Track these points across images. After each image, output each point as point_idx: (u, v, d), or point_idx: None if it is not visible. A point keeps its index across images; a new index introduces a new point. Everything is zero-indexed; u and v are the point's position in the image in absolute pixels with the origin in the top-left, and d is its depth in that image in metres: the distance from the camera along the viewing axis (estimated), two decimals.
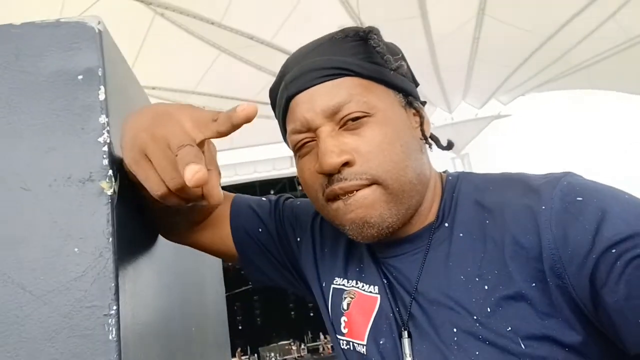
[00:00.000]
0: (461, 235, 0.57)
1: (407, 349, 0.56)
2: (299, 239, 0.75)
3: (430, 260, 0.59)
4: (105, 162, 0.48)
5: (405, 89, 0.62)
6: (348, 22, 3.92)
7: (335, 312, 0.67)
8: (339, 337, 0.66)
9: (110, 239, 0.46)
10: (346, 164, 0.55)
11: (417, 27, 4.31)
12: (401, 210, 0.57)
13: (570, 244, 0.48)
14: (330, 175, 0.56)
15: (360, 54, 0.59)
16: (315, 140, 0.58)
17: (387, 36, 0.63)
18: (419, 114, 0.63)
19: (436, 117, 6.16)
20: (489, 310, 0.51)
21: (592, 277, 0.46)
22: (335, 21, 3.65)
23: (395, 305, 0.60)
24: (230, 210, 0.75)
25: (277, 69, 0.65)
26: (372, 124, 0.57)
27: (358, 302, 0.64)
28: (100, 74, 0.50)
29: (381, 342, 0.60)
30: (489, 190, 0.59)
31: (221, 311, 1.25)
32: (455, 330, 0.53)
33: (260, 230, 0.74)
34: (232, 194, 0.79)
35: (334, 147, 0.55)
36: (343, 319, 0.65)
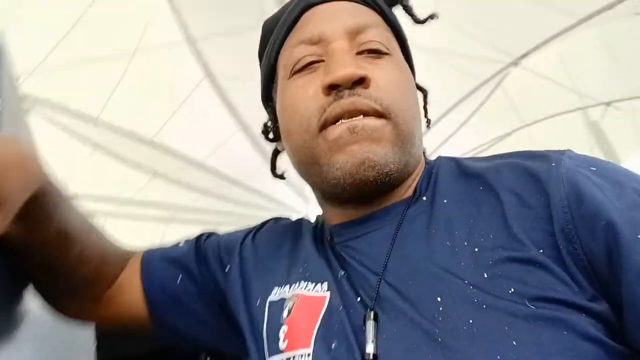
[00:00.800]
0: (445, 201, 0.50)
1: (370, 334, 0.44)
2: (227, 269, 0.63)
3: (405, 234, 0.50)
4: None
5: (411, 59, 0.60)
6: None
7: (271, 328, 0.54)
8: (272, 358, 0.52)
9: None
10: (362, 81, 0.49)
11: None
12: (402, 160, 0.50)
13: (585, 203, 0.42)
14: (338, 92, 0.49)
15: (387, 2, 0.58)
16: (322, 61, 0.52)
17: None
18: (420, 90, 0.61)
19: None
20: (485, 275, 0.43)
21: (606, 244, 0.40)
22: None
23: (356, 295, 0.49)
24: (141, 270, 0.62)
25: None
26: (391, 62, 0.53)
27: (302, 305, 0.52)
28: None
29: (333, 346, 0.47)
30: (473, 162, 0.54)
31: None
32: (440, 299, 0.43)
33: (178, 281, 0.62)
34: (140, 252, 0.65)
35: (351, 62, 0.50)
36: (282, 330, 0.52)
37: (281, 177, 0.68)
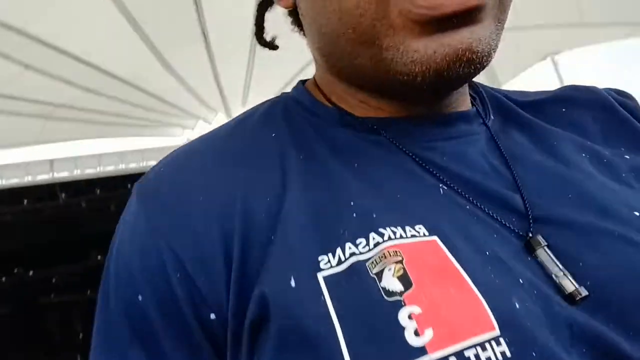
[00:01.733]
0: (537, 120, 0.42)
1: (554, 264, 0.31)
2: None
3: (509, 146, 0.39)
4: None
5: None
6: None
7: (359, 317, 0.28)
8: None
9: None
10: None
11: None
12: (497, 43, 0.34)
13: None
14: None
15: None
16: None
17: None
18: None
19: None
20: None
21: None
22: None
23: (490, 218, 0.33)
24: None
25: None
26: None
27: (417, 262, 0.30)
28: None
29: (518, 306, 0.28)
30: (519, 94, 0.45)
31: None
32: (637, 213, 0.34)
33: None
34: None
35: None
36: (403, 313, 0.27)
37: (272, 45, 0.48)
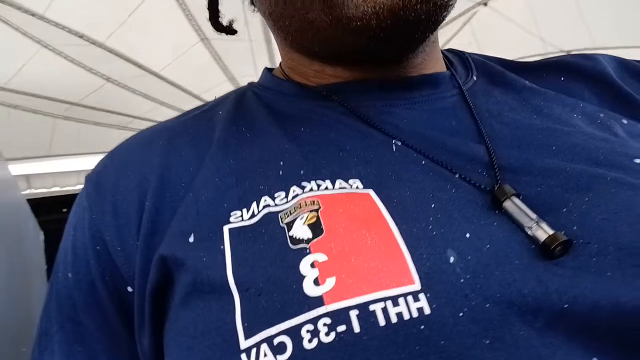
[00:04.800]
0: (527, 82, 0.38)
1: (527, 210, 0.26)
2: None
3: (484, 107, 0.35)
4: None
5: None
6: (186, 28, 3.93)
7: (258, 268, 0.26)
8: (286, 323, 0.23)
9: None
10: None
11: None
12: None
13: None
14: None
15: None
16: None
17: None
18: None
19: None
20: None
21: None
22: (172, 27, 3.67)
23: (448, 170, 0.29)
24: None
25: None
26: None
27: (335, 211, 0.27)
28: None
29: (452, 260, 0.24)
30: (507, 62, 0.42)
31: None
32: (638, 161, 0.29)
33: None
34: None
35: None
36: (306, 261, 0.25)
37: (229, 30, 0.44)
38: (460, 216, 0.26)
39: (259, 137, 0.34)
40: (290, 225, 0.27)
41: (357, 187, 0.28)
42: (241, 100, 0.39)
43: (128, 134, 0.39)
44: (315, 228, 0.26)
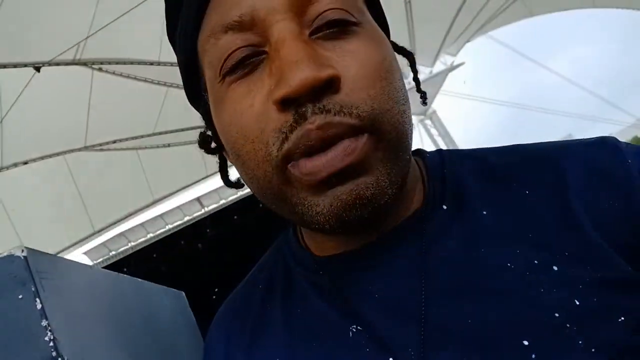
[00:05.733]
0: (484, 213, 0.40)
1: None
2: None
3: (437, 258, 0.39)
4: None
5: (382, 14, 0.44)
6: None
7: None
8: None
9: None
10: (329, 86, 0.33)
11: None
12: (400, 175, 0.36)
13: None
14: (298, 108, 0.33)
15: None
16: (262, 53, 0.35)
17: None
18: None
19: None
20: (577, 302, 0.33)
21: None
22: None
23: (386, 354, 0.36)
24: None
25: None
26: (361, 37, 0.36)
27: None
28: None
29: None
30: (499, 159, 0.43)
31: None
32: (527, 342, 0.33)
33: None
34: None
35: (309, 55, 0.33)
36: None
37: (238, 185, 0.50)
38: None
39: (269, 318, 0.46)
40: None
41: None
42: (274, 271, 0.50)
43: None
44: None
